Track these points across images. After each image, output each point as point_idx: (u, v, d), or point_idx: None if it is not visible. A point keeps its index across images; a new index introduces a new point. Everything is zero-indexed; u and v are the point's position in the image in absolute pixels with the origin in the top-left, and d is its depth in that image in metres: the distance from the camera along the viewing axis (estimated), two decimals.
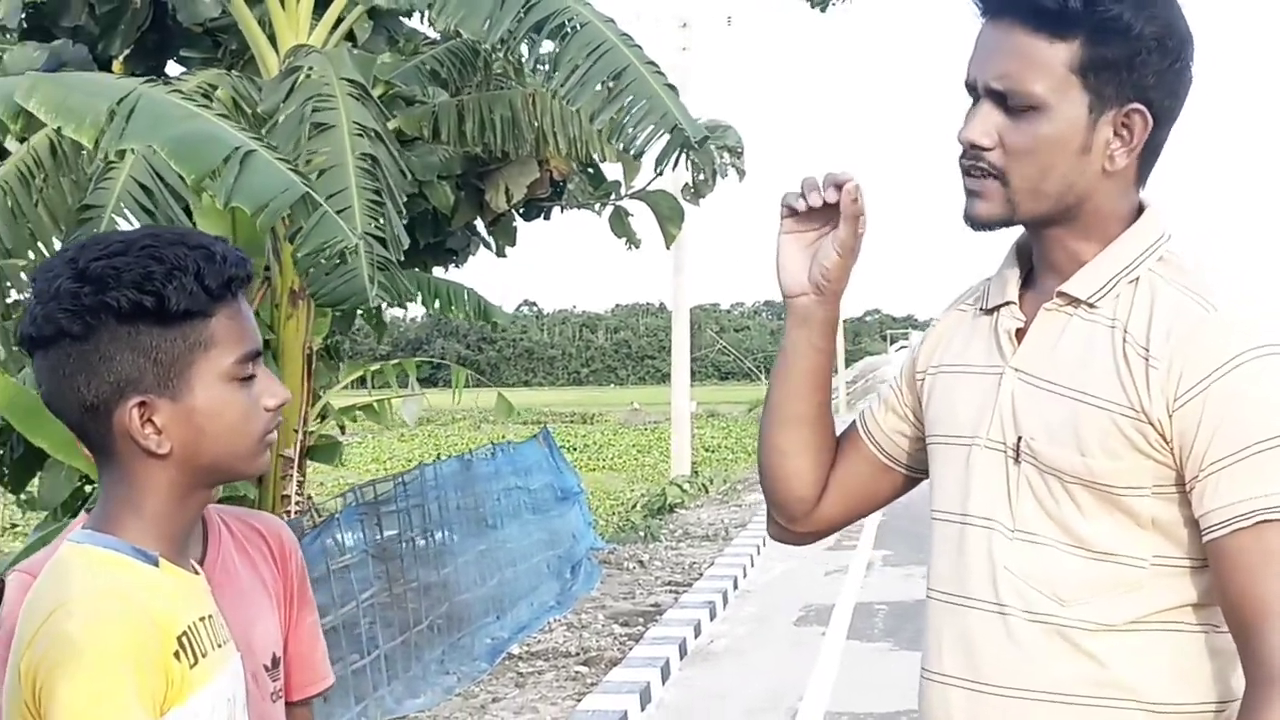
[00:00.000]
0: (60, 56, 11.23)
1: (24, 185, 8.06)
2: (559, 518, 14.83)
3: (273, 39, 9.74)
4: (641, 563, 15.14)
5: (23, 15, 11.60)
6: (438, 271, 13.63)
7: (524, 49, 8.42)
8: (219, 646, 2.06)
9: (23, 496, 10.76)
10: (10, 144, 9.34)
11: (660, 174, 8.49)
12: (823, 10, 10.15)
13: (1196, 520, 2.10)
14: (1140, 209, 2.26)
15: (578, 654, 10.72)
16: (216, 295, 2.01)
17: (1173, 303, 2.13)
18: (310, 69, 8.64)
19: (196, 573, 2.13)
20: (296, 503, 9.77)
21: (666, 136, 7.99)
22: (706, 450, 37.31)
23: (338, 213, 7.57)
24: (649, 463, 33.54)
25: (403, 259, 8.22)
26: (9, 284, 8.63)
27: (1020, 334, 2.26)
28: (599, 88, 7.99)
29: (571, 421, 59.29)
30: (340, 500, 9.51)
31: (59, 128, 6.52)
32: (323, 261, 6.85)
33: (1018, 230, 2.34)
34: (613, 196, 12.87)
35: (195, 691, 1.98)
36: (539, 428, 18.98)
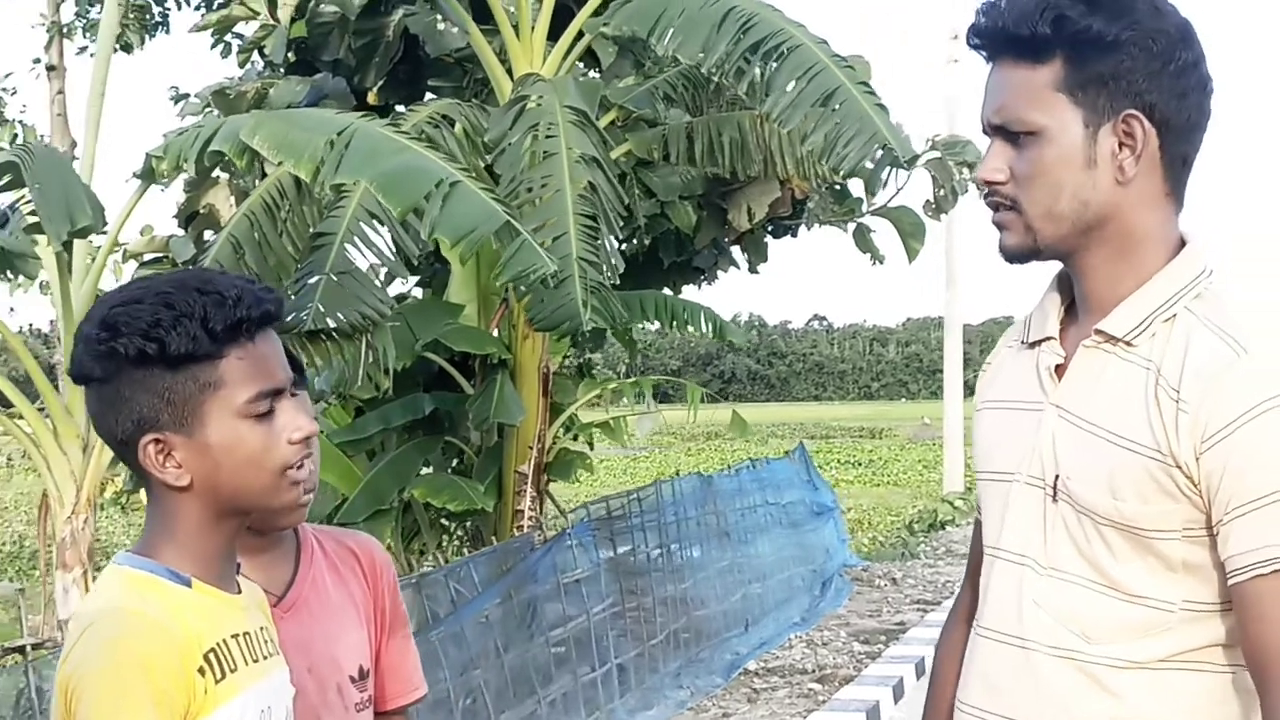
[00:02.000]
0: (321, 89, 11.83)
1: (269, 216, 8.46)
2: (812, 533, 14.82)
3: (509, 69, 10.07)
4: (894, 580, 15.04)
5: (288, 52, 12.25)
6: (689, 290, 13.84)
7: (751, 71, 8.53)
8: (256, 661, 2.21)
9: None
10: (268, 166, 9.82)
11: (872, 193, 8.49)
12: None
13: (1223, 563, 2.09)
14: (1184, 243, 2.24)
15: (813, 671, 10.73)
16: (223, 338, 2.14)
17: (1204, 344, 2.11)
18: (539, 98, 8.92)
19: (238, 591, 2.28)
20: (529, 517, 10.06)
21: (878, 154, 8.01)
22: None
23: (555, 239, 7.84)
24: (934, 479, 33.15)
25: (618, 283, 8.41)
26: None
27: (1060, 370, 2.27)
28: (810, 109, 8.04)
29: (859, 436, 58.97)
30: (570, 517, 9.74)
31: (280, 163, 6.88)
32: (522, 289, 7.07)
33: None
34: (855, 213, 12.87)
35: (222, 704, 2.12)
36: (823, 442, 19.07)
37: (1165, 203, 2.21)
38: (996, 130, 2.23)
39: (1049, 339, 2.30)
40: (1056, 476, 2.20)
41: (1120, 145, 2.15)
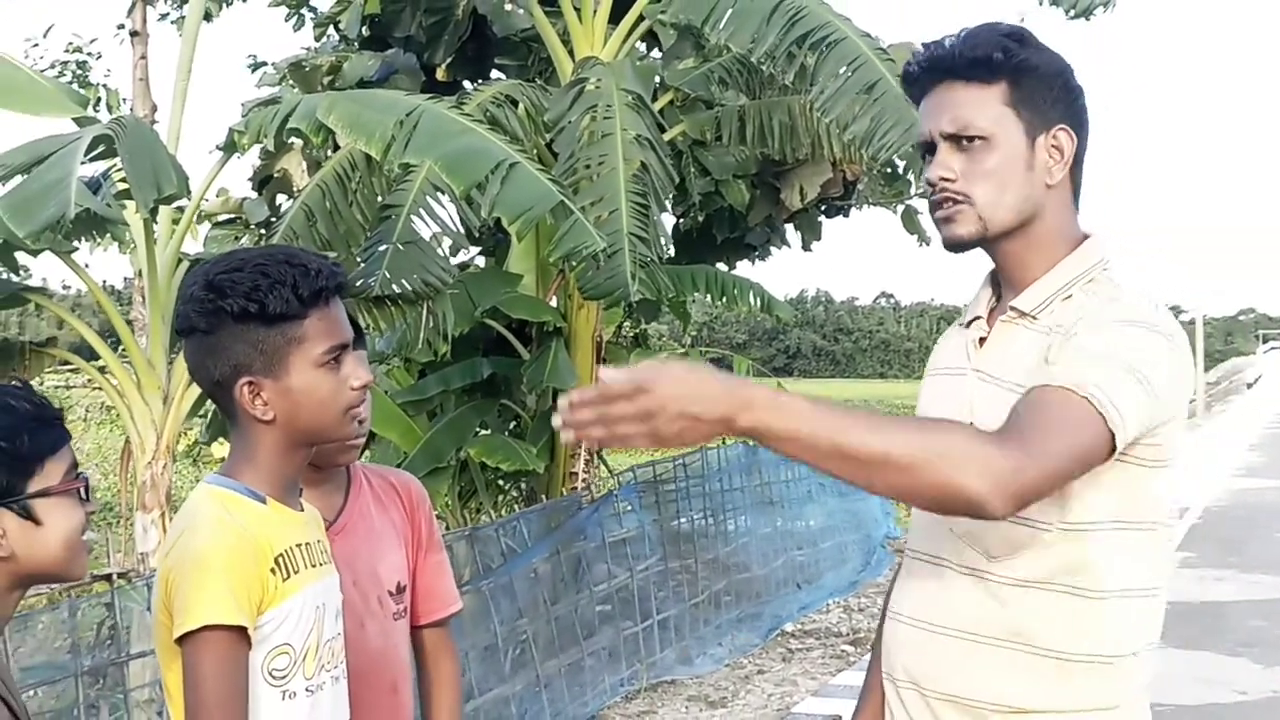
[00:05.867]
0: (392, 65, 12.34)
1: (341, 187, 8.95)
2: (862, 503, 15.24)
3: (571, 50, 10.54)
4: None
5: (362, 27, 12.77)
6: (745, 265, 14.28)
7: (800, 59, 8.94)
8: (314, 566, 2.72)
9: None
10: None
11: (910, 179, 8.86)
12: (1087, 19, 10.33)
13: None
14: (1085, 238, 2.75)
15: (848, 634, 11.21)
16: (308, 302, 2.65)
17: (1091, 303, 2.63)
18: (597, 81, 9.39)
19: (301, 510, 2.79)
20: (583, 479, 10.57)
21: (915, 143, 8.41)
22: None
23: (609, 214, 8.34)
24: None
25: (670, 256, 8.86)
26: None
27: (983, 342, 2.79)
28: (853, 98, 8.47)
29: None
30: (617, 480, 10.22)
31: (352, 141, 7.38)
32: (574, 264, 7.55)
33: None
34: (904, 195, 13.28)
35: (287, 598, 2.64)
36: None
37: (1071, 205, 2.74)
38: (947, 138, 2.72)
39: (978, 319, 2.82)
40: (971, 424, 2.70)
41: (1049, 155, 2.67)
